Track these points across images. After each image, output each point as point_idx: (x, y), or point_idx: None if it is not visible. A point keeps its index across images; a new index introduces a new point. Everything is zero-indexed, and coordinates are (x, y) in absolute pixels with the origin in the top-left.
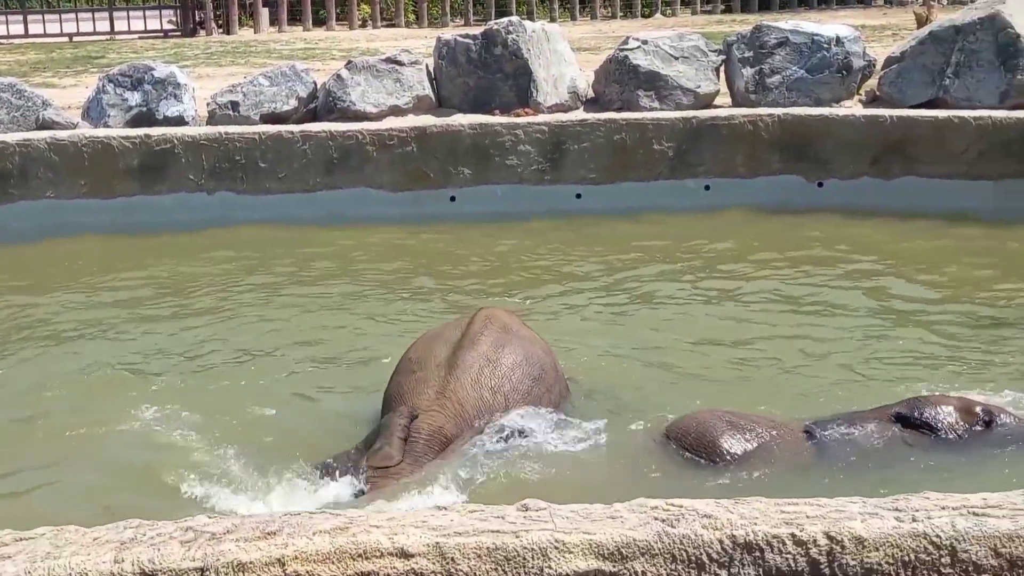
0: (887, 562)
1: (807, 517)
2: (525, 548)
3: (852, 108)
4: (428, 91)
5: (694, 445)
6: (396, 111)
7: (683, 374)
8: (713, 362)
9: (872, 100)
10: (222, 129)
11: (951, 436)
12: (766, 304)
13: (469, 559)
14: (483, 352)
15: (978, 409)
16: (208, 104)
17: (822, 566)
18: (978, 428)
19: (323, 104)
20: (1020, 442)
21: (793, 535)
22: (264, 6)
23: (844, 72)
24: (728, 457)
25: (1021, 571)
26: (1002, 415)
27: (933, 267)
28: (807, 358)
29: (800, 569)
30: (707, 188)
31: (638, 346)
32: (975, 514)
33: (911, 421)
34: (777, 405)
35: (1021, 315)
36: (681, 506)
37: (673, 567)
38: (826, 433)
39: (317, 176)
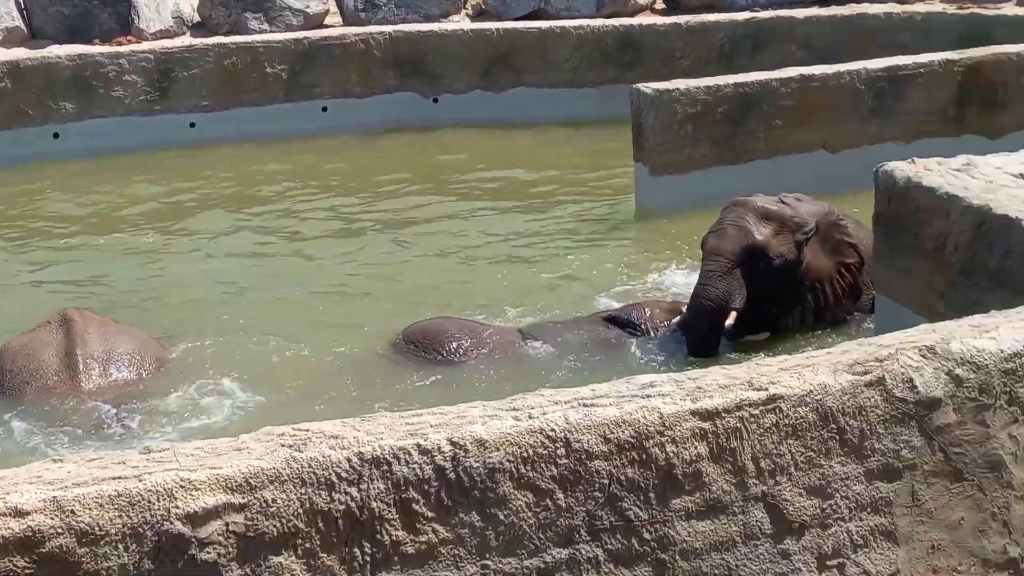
0: (508, 460)
1: (431, 426)
2: (149, 491)
3: (460, 22)
4: (18, 22)
5: (427, 345)
6: None
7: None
8: (378, 279)
9: (479, 14)
10: None
11: (652, 334)
12: (399, 219)
13: (90, 509)
14: (99, 347)
15: (683, 309)
16: None
17: (447, 471)
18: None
19: None
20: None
21: (418, 445)
22: None
23: None
24: (456, 355)
25: (628, 454)
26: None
27: (549, 170)
28: (467, 263)
29: (427, 477)
30: (324, 110)
31: (292, 274)
32: (585, 405)
33: (619, 322)
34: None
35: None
36: (308, 430)
37: (303, 491)
38: (538, 335)
39: None
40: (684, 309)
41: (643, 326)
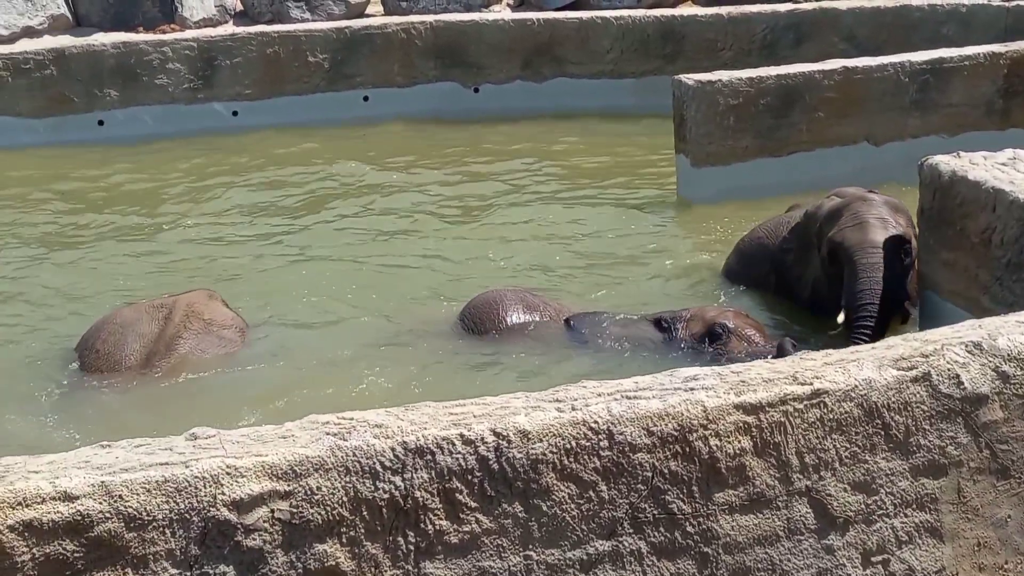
0: (551, 451)
1: (474, 416)
2: (196, 477)
3: (501, 12)
4: (64, 9)
5: (479, 317)
6: (30, 32)
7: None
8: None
9: (520, 4)
10: None
11: (690, 342)
12: (444, 205)
13: (138, 495)
14: (184, 351)
15: (716, 327)
16: None
17: (490, 461)
18: (709, 339)
19: None
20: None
21: (462, 435)
22: None
23: None
24: (502, 326)
25: (672, 447)
26: (736, 334)
27: (590, 161)
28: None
29: (471, 467)
30: (366, 99)
31: (347, 257)
32: (628, 397)
33: (661, 326)
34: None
35: (664, 197)
36: (352, 418)
37: (348, 479)
38: (583, 324)
39: None
40: (716, 328)
41: (680, 332)
